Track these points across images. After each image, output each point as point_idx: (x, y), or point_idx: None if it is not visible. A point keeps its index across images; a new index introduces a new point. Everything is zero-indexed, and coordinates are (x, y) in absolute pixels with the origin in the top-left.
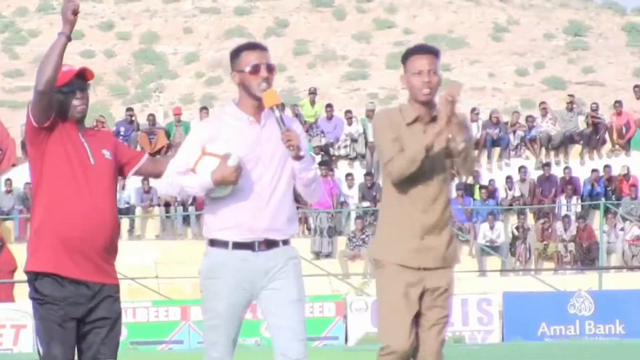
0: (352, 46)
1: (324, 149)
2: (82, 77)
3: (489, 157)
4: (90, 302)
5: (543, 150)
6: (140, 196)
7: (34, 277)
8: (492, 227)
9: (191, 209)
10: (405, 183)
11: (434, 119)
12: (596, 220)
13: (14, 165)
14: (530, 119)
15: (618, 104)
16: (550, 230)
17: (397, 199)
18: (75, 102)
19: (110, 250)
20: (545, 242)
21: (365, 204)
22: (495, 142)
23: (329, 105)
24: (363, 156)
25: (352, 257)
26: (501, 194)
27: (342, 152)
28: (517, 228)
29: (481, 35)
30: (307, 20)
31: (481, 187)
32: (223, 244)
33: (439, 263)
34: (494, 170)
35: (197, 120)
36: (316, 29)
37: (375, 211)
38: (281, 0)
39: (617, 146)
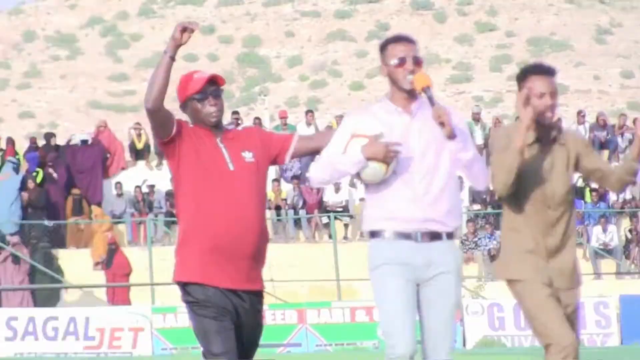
0: (455, 49)
1: None
2: (215, 83)
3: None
4: (237, 309)
5: None
6: None
7: (183, 285)
8: (604, 230)
9: (302, 212)
10: (522, 204)
11: (554, 140)
12: None
13: (123, 168)
14: (637, 121)
15: None
16: None
17: (516, 221)
18: (209, 108)
19: (258, 257)
20: None
21: (476, 207)
22: (603, 145)
23: None
24: None
25: (465, 260)
26: (612, 197)
27: None
28: (630, 231)
29: (584, 37)
30: (408, 23)
31: (592, 189)
32: (385, 235)
33: (567, 284)
34: None
35: (304, 123)
36: (417, 32)
37: (486, 214)
38: (382, 4)
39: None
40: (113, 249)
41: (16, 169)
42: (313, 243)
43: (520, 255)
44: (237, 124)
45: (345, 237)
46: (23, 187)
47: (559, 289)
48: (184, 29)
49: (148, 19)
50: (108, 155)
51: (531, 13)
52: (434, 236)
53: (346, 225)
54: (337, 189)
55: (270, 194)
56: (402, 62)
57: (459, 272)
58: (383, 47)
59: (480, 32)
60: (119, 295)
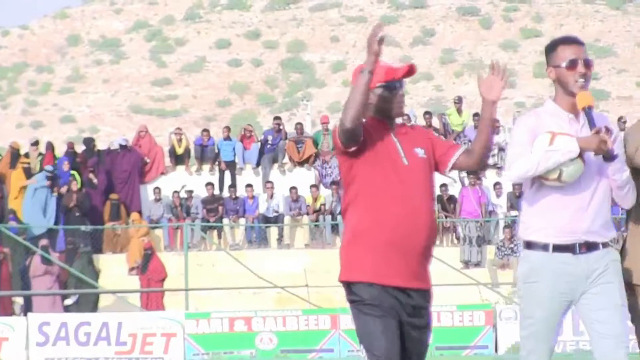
0: (499, 55)
1: None
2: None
3: None
4: (405, 309)
5: None
6: (289, 205)
7: (348, 284)
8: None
9: (339, 217)
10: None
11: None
12: None
13: (162, 173)
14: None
15: None
16: None
17: None
18: (399, 98)
19: (427, 254)
20: None
21: (514, 213)
22: None
23: (476, 114)
24: None
25: (501, 265)
26: None
27: (490, 161)
28: None
29: (628, 44)
30: (454, 29)
31: None
32: (543, 247)
33: None
34: None
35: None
36: (463, 37)
37: None
38: (427, 9)
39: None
40: (149, 254)
41: (50, 177)
42: None
43: None
44: (279, 130)
45: None
46: (60, 191)
47: None
48: (381, 40)
49: (194, 24)
50: (147, 160)
51: (576, 19)
52: (592, 247)
53: None
54: None
55: (308, 199)
56: (573, 64)
57: (619, 274)
58: (552, 48)
59: (526, 38)
60: (153, 300)
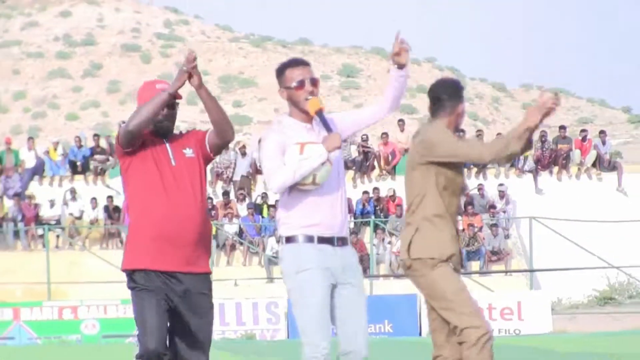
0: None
1: None
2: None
3: None
4: (178, 292)
5: None
6: None
7: (129, 272)
8: (278, 241)
9: (21, 224)
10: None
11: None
12: (367, 235)
13: None
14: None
15: (385, 135)
16: None
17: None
18: (160, 117)
19: (199, 242)
20: None
21: None
22: None
23: None
24: None
25: None
26: None
27: None
28: None
29: (267, 76)
30: (118, 63)
31: (269, 206)
32: (309, 239)
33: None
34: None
35: (25, 148)
36: (126, 70)
37: None
38: (96, 46)
39: (384, 171)
40: None
41: None
42: (29, 251)
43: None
44: None
45: (56, 246)
46: None
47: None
48: (191, 73)
49: None
50: None
51: (223, 55)
52: (345, 241)
53: (58, 236)
54: (52, 204)
55: None
56: (301, 84)
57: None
58: (281, 72)
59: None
60: None
